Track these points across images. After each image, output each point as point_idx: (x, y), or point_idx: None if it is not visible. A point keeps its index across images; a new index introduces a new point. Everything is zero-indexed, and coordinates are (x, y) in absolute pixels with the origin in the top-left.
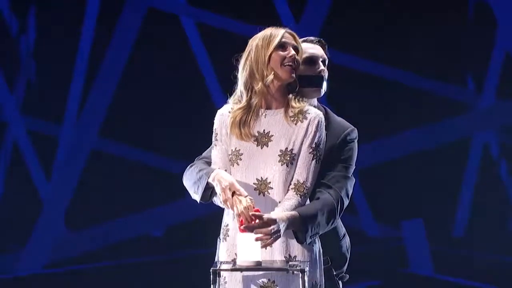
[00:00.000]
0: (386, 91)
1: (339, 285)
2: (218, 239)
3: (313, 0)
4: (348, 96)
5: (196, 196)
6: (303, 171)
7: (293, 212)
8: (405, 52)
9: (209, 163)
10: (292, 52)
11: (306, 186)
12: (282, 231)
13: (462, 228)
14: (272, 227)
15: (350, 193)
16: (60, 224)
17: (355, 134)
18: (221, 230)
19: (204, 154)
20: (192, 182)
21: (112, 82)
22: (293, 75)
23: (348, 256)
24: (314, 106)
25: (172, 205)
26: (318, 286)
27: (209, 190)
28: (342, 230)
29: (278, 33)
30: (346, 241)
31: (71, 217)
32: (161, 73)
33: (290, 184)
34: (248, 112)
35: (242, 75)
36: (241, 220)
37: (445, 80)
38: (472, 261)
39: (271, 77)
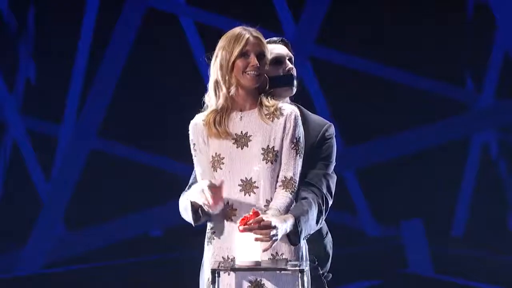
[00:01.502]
0: (385, 91)
1: (325, 284)
2: (205, 244)
3: (312, 0)
4: (348, 96)
5: (192, 222)
6: (289, 167)
7: (289, 215)
8: (405, 52)
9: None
10: (255, 61)
11: (294, 181)
12: (279, 235)
13: (461, 227)
14: (271, 229)
15: (333, 191)
16: (59, 224)
17: (332, 129)
18: (206, 235)
19: (191, 179)
20: (184, 212)
21: (111, 82)
22: (257, 82)
23: (331, 253)
24: None
25: (171, 205)
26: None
27: (198, 212)
28: (325, 228)
29: (242, 38)
30: (329, 239)
31: (71, 217)
32: (160, 73)
33: (277, 181)
34: (221, 114)
35: (211, 77)
36: (241, 221)
37: (445, 80)
38: (471, 261)
39: (234, 85)
